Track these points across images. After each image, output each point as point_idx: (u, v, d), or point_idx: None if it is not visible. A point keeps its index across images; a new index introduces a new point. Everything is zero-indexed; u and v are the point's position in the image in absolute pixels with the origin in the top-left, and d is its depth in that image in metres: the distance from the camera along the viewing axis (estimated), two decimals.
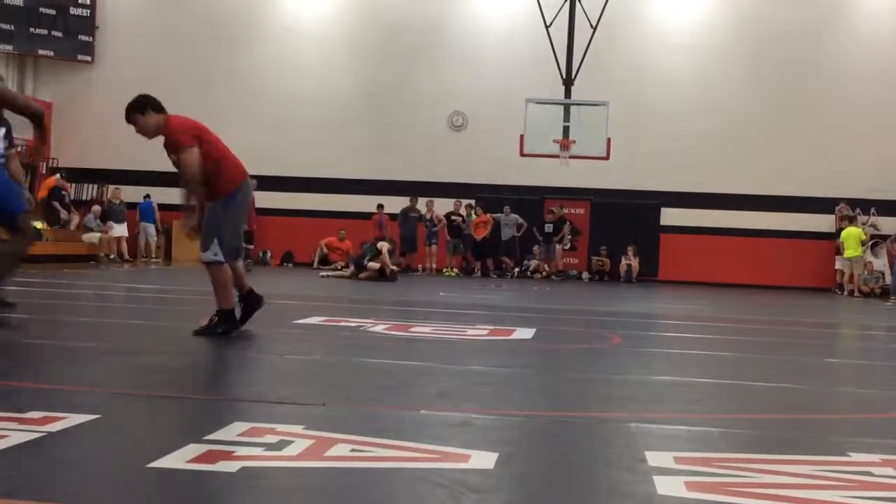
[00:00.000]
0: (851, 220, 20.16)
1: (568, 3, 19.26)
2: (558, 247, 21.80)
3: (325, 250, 21.34)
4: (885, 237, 20.29)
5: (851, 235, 19.54)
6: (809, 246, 21.64)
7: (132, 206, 21.69)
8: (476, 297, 13.72)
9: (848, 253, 19.53)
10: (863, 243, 19.74)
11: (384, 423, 3.71)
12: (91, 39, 23.52)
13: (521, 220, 21.72)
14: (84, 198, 22.84)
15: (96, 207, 21.00)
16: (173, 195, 24.70)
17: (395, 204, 21.73)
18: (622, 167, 20.97)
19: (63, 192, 21.01)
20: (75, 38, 23.40)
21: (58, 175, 21.30)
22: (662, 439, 3.68)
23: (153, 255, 21.79)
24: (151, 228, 21.81)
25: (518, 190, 22.18)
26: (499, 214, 21.77)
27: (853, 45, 21.91)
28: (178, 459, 2.94)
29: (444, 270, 21.65)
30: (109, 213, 21.20)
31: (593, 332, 8.67)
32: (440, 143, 22.69)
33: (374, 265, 16.92)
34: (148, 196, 21.84)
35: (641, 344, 7.92)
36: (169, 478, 2.78)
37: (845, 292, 19.79)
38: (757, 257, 21.79)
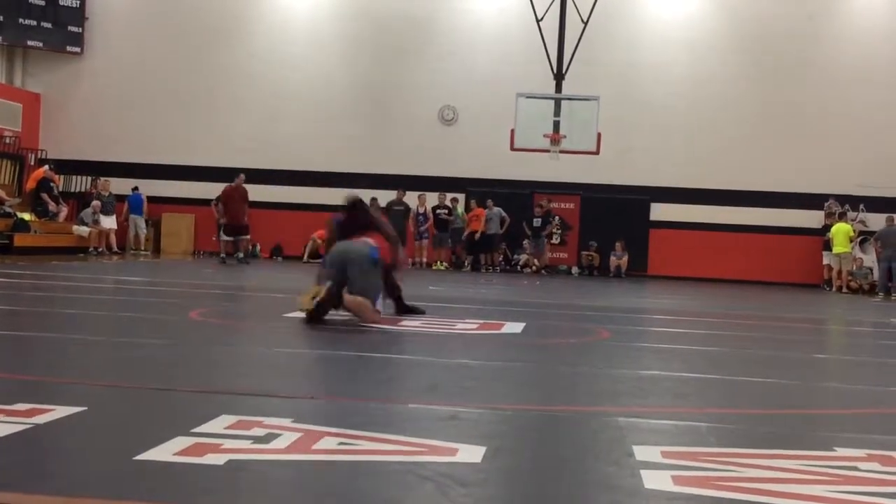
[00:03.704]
0: (841, 217, 20.21)
1: None
2: (546, 241, 21.79)
3: (318, 243, 21.28)
4: (873, 233, 20.37)
5: (841, 231, 19.59)
6: (798, 242, 21.69)
7: (121, 198, 21.59)
8: (466, 291, 13.72)
9: (836, 249, 19.58)
10: (851, 240, 19.80)
11: (372, 417, 3.72)
12: (81, 30, 23.40)
13: (503, 214, 21.66)
14: (73, 189, 22.73)
15: (96, 203, 20.79)
16: (162, 187, 24.44)
17: (386, 198, 21.68)
18: (612, 162, 20.97)
19: (51, 184, 20.88)
20: (65, 30, 23.28)
21: (46, 167, 21.19)
22: (650, 433, 3.69)
23: (142, 248, 21.70)
24: (141, 221, 21.69)
25: (508, 184, 22.16)
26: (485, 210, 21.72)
27: (844, 42, 21.95)
28: (166, 452, 2.93)
29: (433, 265, 21.64)
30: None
31: (582, 327, 8.68)
32: (431, 137, 22.66)
33: None
34: (136, 188, 21.74)
35: (630, 339, 7.93)
36: (156, 470, 2.77)
37: (833, 288, 19.85)
38: (746, 253, 21.85)
